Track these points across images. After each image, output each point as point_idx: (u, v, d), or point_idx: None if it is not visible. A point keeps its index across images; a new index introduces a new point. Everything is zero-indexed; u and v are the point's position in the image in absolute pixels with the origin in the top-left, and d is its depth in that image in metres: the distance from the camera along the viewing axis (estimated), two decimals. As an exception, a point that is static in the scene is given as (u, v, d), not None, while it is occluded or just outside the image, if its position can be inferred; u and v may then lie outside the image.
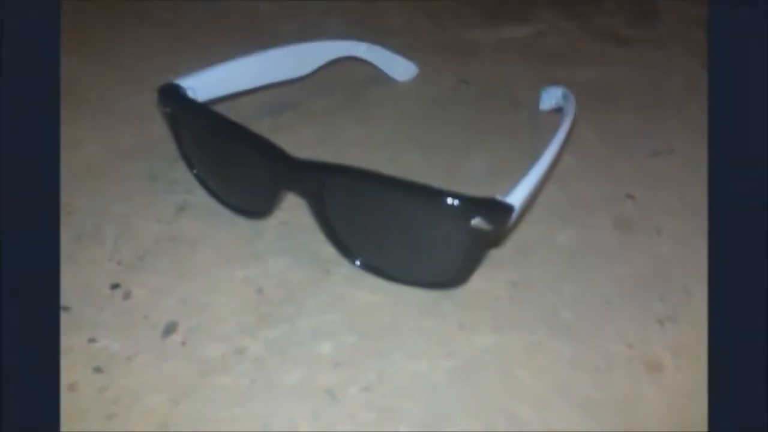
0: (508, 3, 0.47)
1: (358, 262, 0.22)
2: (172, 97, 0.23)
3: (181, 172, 0.26)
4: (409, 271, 0.21)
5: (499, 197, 0.19)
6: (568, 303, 0.21)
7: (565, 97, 0.29)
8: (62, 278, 0.21)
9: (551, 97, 0.31)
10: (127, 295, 0.21)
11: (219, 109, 0.31)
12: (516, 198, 0.19)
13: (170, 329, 0.20)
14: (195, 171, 0.25)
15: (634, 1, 0.48)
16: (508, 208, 0.19)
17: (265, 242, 0.23)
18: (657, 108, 0.33)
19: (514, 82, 0.36)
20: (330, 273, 0.22)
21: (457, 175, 0.28)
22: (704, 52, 0.38)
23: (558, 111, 0.31)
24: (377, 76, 0.35)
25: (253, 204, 0.23)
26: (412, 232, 0.20)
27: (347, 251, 0.22)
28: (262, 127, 0.31)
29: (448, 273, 0.21)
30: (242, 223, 0.24)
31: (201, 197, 0.25)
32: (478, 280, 0.22)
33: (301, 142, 0.30)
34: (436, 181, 0.27)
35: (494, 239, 0.21)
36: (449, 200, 0.19)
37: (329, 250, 0.23)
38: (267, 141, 0.21)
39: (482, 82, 0.36)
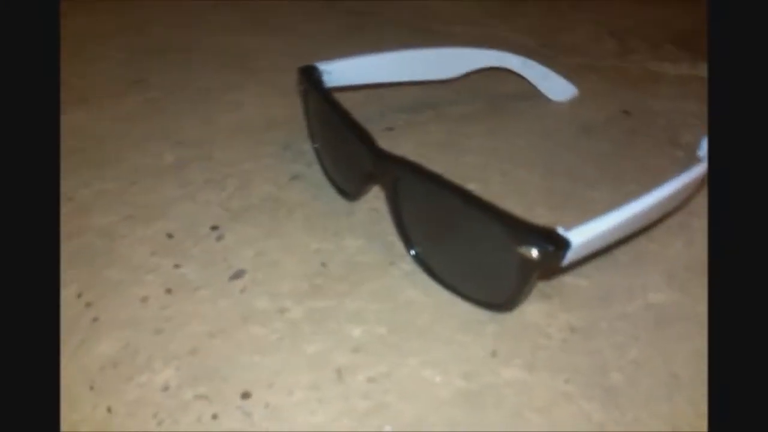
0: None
1: (413, 252, 0.22)
2: (306, 77, 0.26)
3: (310, 146, 0.29)
4: (458, 281, 0.21)
5: (559, 229, 0.18)
6: (626, 366, 0.19)
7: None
8: (176, 210, 0.25)
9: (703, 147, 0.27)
10: (220, 238, 0.24)
11: (360, 97, 0.33)
12: (578, 236, 0.18)
13: (238, 275, 0.22)
14: (315, 146, 0.27)
15: None
16: (562, 243, 0.17)
17: (351, 223, 0.25)
18: None
19: (683, 121, 0.32)
20: (394, 265, 0.23)
21: (568, 205, 0.26)
22: None
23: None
24: (531, 94, 0.34)
25: (348, 186, 0.25)
26: (467, 244, 0.20)
27: (408, 242, 0.22)
28: (396, 121, 0.33)
29: (496, 295, 0.20)
30: (340, 202, 0.26)
31: (316, 171, 0.28)
32: (535, 313, 0.21)
33: (424, 143, 0.31)
34: (542, 206, 0.27)
35: (543, 271, 0.20)
36: (502, 221, 0.18)
37: (402, 245, 0.23)
38: (363, 129, 0.22)
39: (647, 117, 0.33)
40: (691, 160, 0.29)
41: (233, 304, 0.21)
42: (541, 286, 0.22)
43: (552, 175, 0.28)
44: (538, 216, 0.26)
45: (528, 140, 0.31)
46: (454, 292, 0.21)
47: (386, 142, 0.22)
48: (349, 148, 0.23)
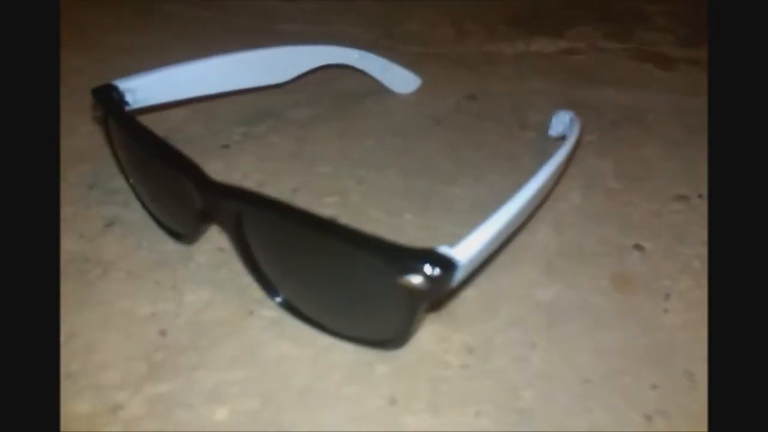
0: (546, 14, 0.43)
1: (278, 299, 0.18)
2: (102, 100, 0.21)
3: (122, 181, 0.24)
4: (336, 321, 0.17)
5: (441, 250, 0.15)
6: (533, 380, 0.17)
7: (571, 122, 0.25)
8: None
9: (560, 123, 0.26)
10: None
11: (185, 113, 0.28)
12: (464, 253, 0.15)
13: (45, 371, 0.17)
14: (131, 181, 0.22)
15: (690, 17, 0.42)
16: (449, 266, 0.15)
17: (190, 271, 0.20)
18: (691, 144, 0.28)
19: (528, 102, 0.32)
20: (253, 315, 0.19)
21: (434, 205, 0.24)
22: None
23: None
24: (375, 88, 0.32)
25: (179, 227, 0.20)
26: (338, 279, 0.17)
27: (268, 285, 0.18)
28: (231, 136, 0.28)
29: (382, 331, 0.17)
30: (172, 246, 0.21)
31: (136, 212, 0.22)
32: (427, 339, 0.18)
33: (269, 156, 0.27)
34: (408, 211, 0.24)
35: (433, 300, 0.17)
36: (374, 250, 0.15)
37: (259, 289, 0.19)
38: (184, 158, 0.18)
39: (492, 101, 0.32)
40: (544, 141, 0.29)
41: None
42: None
43: (409, 175, 0.26)
44: (407, 222, 0.23)
45: (378, 139, 0.28)
46: (332, 334, 0.18)
47: (223, 163, 0.18)
48: (172, 182, 0.19)
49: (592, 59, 0.37)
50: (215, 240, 0.21)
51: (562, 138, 0.26)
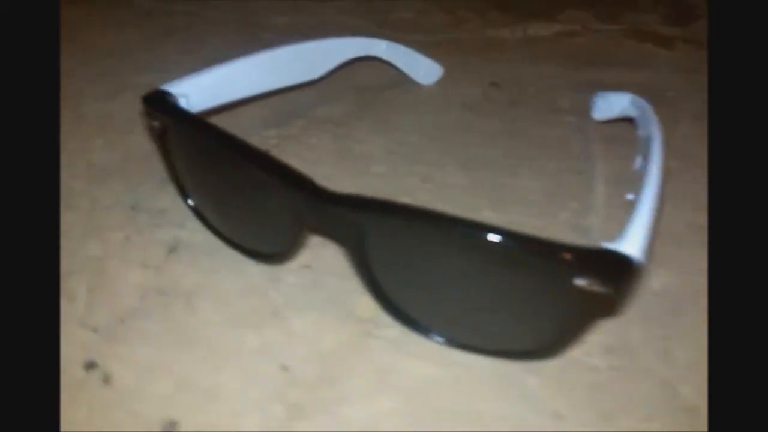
0: None
1: (401, 315, 0.17)
2: (162, 107, 0.18)
3: (170, 199, 0.21)
4: (476, 336, 0.16)
5: (612, 247, 0.14)
6: (686, 375, 0.17)
7: (636, 105, 0.24)
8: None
9: (611, 105, 0.26)
10: (107, 379, 0.15)
11: (215, 119, 0.26)
12: (634, 246, 0.14)
13: (170, 426, 0.14)
14: (190, 201, 0.20)
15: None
16: (629, 265, 0.14)
17: (284, 294, 0.18)
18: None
19: (551, 85, 0.31)
20: (372, 336, 0.17)
21: (508, 199, 0.23)
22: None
23: (618, 121, 0.26)
24: (396, 79, 0.30)
25: (268, 245, 0.18)
26: (489, 290, 0.15)
27: (391, 306, 0.17)
28: (267, 140, 0.26)
29: (536, 343, 0.16)
30: (252, 268, 0.19)
31: (197, 233, 0.20)
32: (563, 343, 0.17)
33: (315, 158, 0.25)
34: (485, 208, 0.23)
35: (610, 306, 0.16)
36: (547, 252, 0.14)
37: (366, 303, 0.17)
38: (290, 169, 0.16)
39: (516, 87, 0.31)
40: (585, 125, 0.28)
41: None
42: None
43: (468, 169, 0.24)
44: (488, 220, 0.22)
45: (421, 134, 0.27)
46: (470, 349, 0.16)
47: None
48: (265, 196, 0.17)
49: (591, 41, 0.37)
50: (298, 257, 0.19)
51: (614, 121, 0.26)
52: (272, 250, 0.18)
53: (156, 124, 0.18)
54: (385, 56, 0.29)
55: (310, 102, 0.28)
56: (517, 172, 0.24)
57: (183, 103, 0.19)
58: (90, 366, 0.16)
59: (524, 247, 0.14)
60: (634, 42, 0.37)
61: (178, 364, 0.16)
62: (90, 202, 0.21)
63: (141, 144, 0.24)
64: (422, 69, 0.30)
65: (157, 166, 0.23)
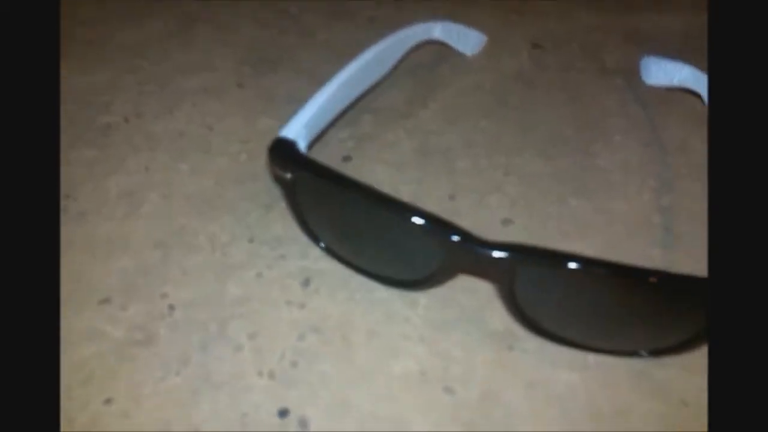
0: None
1: (561, 342, 0.19)
2: (292, 158, 0.19)
3: (281, 225, 0.22)
4: (614, 343, 0.18)
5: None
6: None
7: (698, 79, 0.25)
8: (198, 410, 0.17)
9: (668, 74, 0.27)
10: (304, 423, 0.17)
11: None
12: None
13: (373, 465, 0.17)
14: (322, 243, 0.21)
15: None
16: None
17: (424, 318, 0.20)
18: None
19: (593, 42, 0.32)
20: (513, 350, 0.19)
21: (592, 184, 0.24)
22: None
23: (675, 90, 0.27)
24: (442, 53, 0.30)
25: (410, 274, 0.20)
26: (625, 314, 0.17)
27: (539, 330, 0.19)
28: (344, 144, 0.26)
29: (662, 342, 0.18)
30: (384, 293, 0.20)
31: (320, 261, 0.21)
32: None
33: (398, 159, 0.25)
34: (571, 195, 0.24)
35: None
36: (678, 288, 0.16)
37: (499, 316, 0.19)
38: (442, 220, 0.17)
39: (559, 46, 0.32)
40: (637, 88, 0.29)
41: None
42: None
43: (547, 153, 0.26)
44: (577, 209, 0.24)
45: (489, 118, 0.27)
46: (608, 353, 0.19)
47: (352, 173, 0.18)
48: (412, 244, 0.18)
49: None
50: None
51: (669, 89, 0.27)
52: (413, 278, 0.19)
53: (288, 176, 0.19)
54: (441, 37, 0.29)
55: (366, 96, 0.28)
56: (589, 151, 0.26)
57: (302, 146, 0.20)
58: (283, 413, 0.17)
59: (662, 284, 0.16)
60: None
61: (358, 399, 0.18)
62: (208, 239, 0.22)
63: (226, 164, 0.25)
64: (469, 41, 0.30)
65: (253, 188, 0.24)
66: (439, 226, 0.17)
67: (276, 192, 0.23)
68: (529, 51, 0.31)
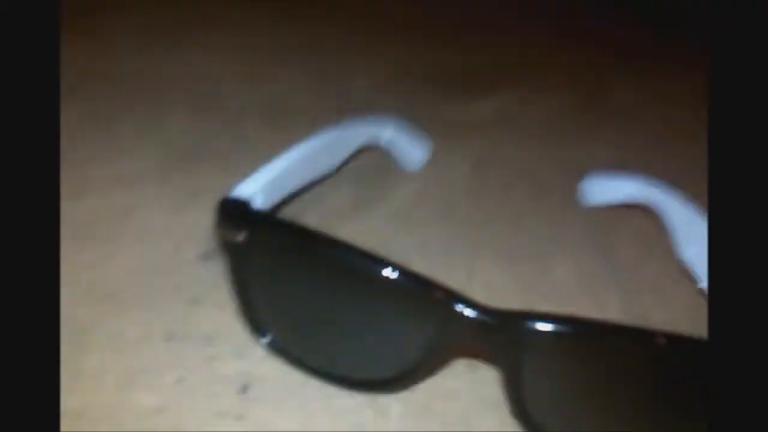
0: (460, 73, 0.43)
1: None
2: (249, 214, 0.15)
3: (210, 322, 0.18)
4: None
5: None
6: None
7: (647, 191, 0.25)
8: None
9: (612, 190, 0.27)
10: None
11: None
12: None
13: None
14: (268, 338, 0.16)
15: (581, 79, 0.46)
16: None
17: (395, 423, 0.15)
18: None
19: (530, 163, 0.32)
20: None
21: (553, 297, 0.22)
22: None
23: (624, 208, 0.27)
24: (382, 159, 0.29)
25: (382, 372, 0.15)
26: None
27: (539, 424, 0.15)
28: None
29: None
30: (347, 401, 0.16)
31: (262, 363, 0.17)
32: None
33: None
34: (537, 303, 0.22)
35: None
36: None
37: (490, 424, 0.16)
38: (438, 283, 0.14)
39: (496, 167, 0.32)
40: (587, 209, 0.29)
41: None
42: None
43: (504, 262, 0.24)
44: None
45: (441, 226, 0.25)
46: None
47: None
48: (395, 315, 0.14)
49: (544, 110, 0.38)
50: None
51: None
52: (390, 373, 0.15)
53: (240, 237, 0.15)
54: (390, 137, 0.27)
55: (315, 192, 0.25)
56: (547, 265, 0.24)
57: (253, 207, 0.16)
58: None
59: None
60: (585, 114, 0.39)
61: None
62: (109, 337, 0.17)
63: (138, 254, 0.20)
64: (414, 153, 0.29)
65: (175, 280, 0.19)
66: (438, 289, 0.14)
67: (205, 285, 0.19)
68: (468, 171, 0.31)
